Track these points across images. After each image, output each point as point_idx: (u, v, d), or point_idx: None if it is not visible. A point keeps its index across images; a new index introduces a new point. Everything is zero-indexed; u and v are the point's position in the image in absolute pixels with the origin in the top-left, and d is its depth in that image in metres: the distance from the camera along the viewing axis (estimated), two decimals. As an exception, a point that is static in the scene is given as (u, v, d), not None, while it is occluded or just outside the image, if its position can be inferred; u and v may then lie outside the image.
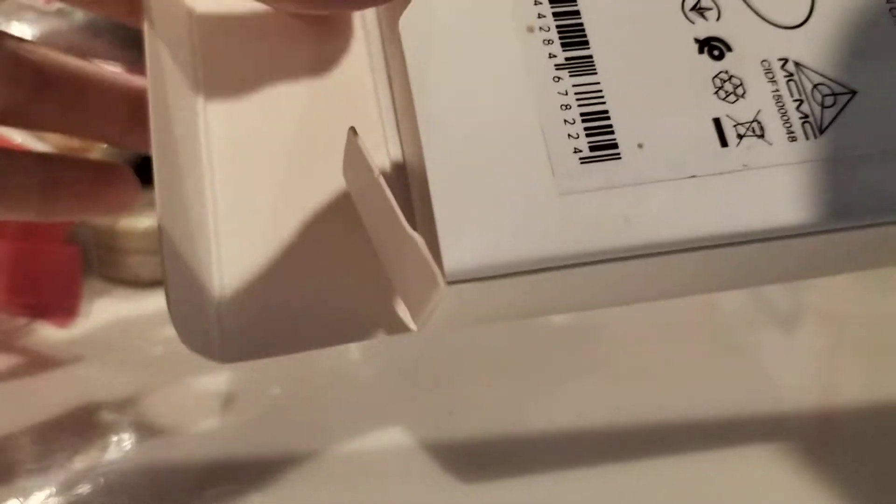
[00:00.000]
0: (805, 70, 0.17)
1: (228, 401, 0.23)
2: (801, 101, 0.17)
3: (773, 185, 0.16)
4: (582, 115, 0.16)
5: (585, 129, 0.16)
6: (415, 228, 0.15)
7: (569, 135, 0.16)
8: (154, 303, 0.31)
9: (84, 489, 0.19)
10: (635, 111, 0.16)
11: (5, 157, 0.19)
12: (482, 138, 0.16)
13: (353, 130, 0.17)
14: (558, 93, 0.16)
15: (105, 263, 0.33)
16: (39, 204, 0.19)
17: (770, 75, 0.17)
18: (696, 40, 0.17)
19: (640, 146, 0.16)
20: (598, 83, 0.16)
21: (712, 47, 0.17)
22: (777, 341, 0.26)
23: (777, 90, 0.17)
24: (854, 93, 0.17)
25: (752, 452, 0.19)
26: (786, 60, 0.17)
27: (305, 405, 0.22)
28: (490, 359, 0.25)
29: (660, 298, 0.19)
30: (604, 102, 0.16)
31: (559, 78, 0.16)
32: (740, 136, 0.16)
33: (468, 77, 0.16)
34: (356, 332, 0.18)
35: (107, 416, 0.23)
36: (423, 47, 0.16)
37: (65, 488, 0.19)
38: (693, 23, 0.17)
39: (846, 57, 0.17)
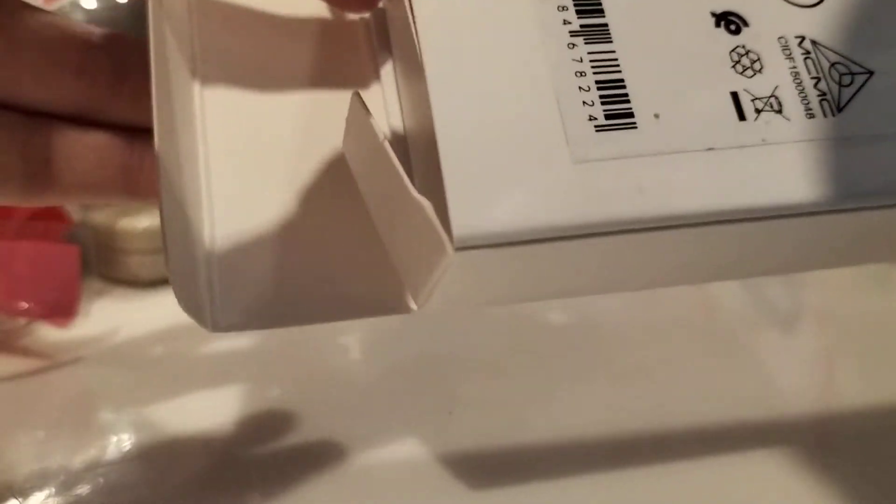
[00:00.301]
0: (822, 48, 0.17)
1: (228, 401, 0.22)
2: (819, 79, 0.17)
3: (791, 161, 0.16)
4: (598, 82, 0.16)
5: (601, 96, 0.16)
6: None
7: (584, 102, 0.15)
8: (153, 302, 0.31)
9: (83, 489, 0.19)
10: (652, 81, 0.16)
11: None
12: (494, 103, 0.15)
13: (357, 95, 0.16)
14: (573, 59, 0.16)
15: (104, 263, 0.33)
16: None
17: (787, 52, 0.17)
18: (713, 14, 0.17)
19: (656, 116, 0.16)
20: (614, 51, 0.16)
21: (729, 21, 0.17)
22: (777, 341, 0.26)
23: (794, 67, 0.17)
24: (871, 73, 0.17)
25: (751, 452, 0.19)
26: (803, 38, 0.17)
27: (305, 405, 0.22)
28: (490, 359, 0.25)
29: (663, 285, 0.19)
30: (619, 71, 0.16)
31: (574, 45, 0.16)
32: (758, 111, 0.16)
33: (480, 41, 0.16)
34: (351, 309, 0.18)
35: (106, 416, 0.23)
36: (434, 9, 0.16)
37: (64, 488, 0.19)
38: None
39: (863, 37, 0.17)
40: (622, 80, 0.16)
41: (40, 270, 0.26)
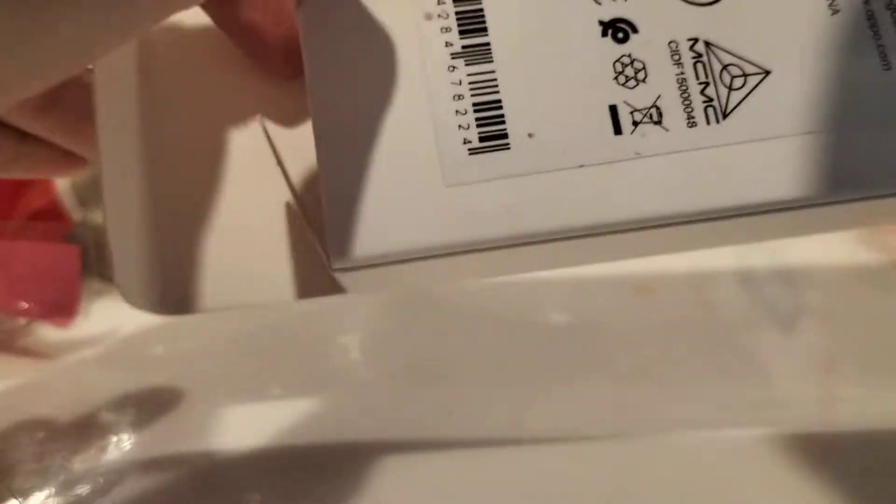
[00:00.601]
0: (716, 50, 0.17)
1: (228, 401, 0.23)
2: (707, 84, 0.17)
3: (663, 173, 0.16)
4: (474, 105, 0.16)
5: (477, 119, 0.16)
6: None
7: (459, 125, 0.16)
8: None
9: (83, 489, 0.19)
10: (530, 100, 0.16)
11: None
12: (374, 130, 0.16)
13: (260, 119, 0.17)
14: (452, 83, 0.16)
15: (104, 263, 0.33)
16: None
17: (676, 57, 0.17)
18: (601, 22, 0.17)
19: (530, 135, 0.16)
20: (494, 71, 0.17)
21: (617, 29, 0.17)
22: (777, 341, 0.26)
23: (682, 73, 0.17)
24: (768, 73, 0.17)
25: (751, 452, 0.19)
26: (696, 40, 0.17)
27: (305, 405, 0.22)
28: (490, 359, 0.25)
29: (560, 267, 0.19)
30: (497, 92, 0.16)
31: (454, 67, 0.17)
32: (636, 123, 0.16)
33: (364, 65, 0.17)
34: (276, 291, 0.19)
35: (106, 417, 0.23)
36: (320, 34, 0.17)
37: (64, 488, 0.19)
38: (600, 3, 0.17)
39: (763, 35, 0.17)
40: (499, 101, 0.17)
41: (40, 270, 0.26)
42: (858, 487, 0.17)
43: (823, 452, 0.19)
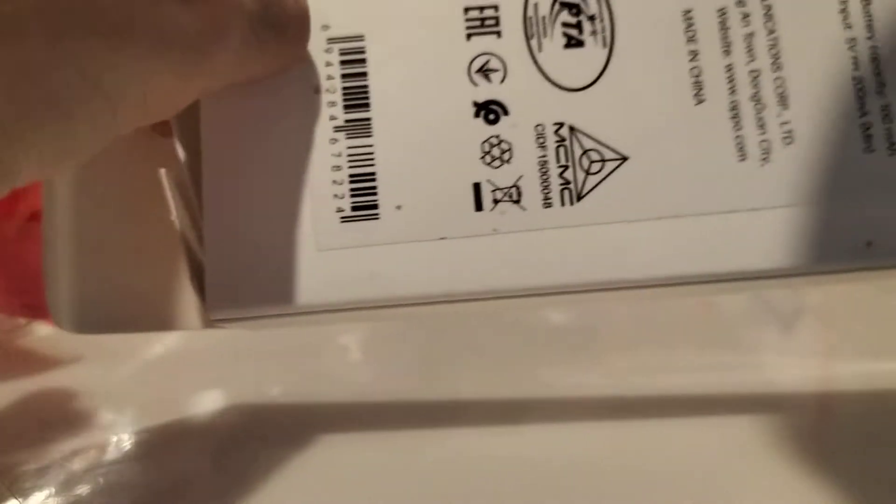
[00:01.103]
0: (579, 135, 0.18)
1: (228, 401, 0.23)
2: (566, 168, 0.18)
3: (517, 249, 0.18)
4: (350, 176, 0.18)
5: (351, 189, 0.18)
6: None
7: (335, 195, 0.18)
8: None
9: (83, 489, 0.19)
10: (401, 173, 0.18)
11: None
12: (256, 193, 0.18)
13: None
14: (332, 154, 0.18)
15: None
16: None
17: (541, 140, 0.18)
18: (475, 104, 0.18)
19: (398, 207, 0.18)
20: (372, 146, 0.18)
21: (489, 111, 0.18)
22: (777, 341, 0.26)
23: (544, 156, 0.18)
24: (625, 159, 0.18)
25: (751, 452, 0.19)
26: (561, 125, 0.18)
27: (306, 405, 0.22)
28: (490, 358, 0.26)
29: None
30: (373, 164, 0.18)
31: (335, 140, 0.18)
32: (496, 201, 0.18)
33: (252, 132, 0.18)
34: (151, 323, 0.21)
35: (106, 416, 0.23)
36: (215, 100, 0.18)
37: (64, 488, 0.19)
38: (476, 85, 0.19)
39: (625, 122, 0.18)
40: (374, 174, 0.18)
41: (40, 271, 0.25)
42: (857, 485, 0.17)
43: (823, 452, 0.19)
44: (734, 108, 0.18)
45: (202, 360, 0.26)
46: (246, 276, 0.18)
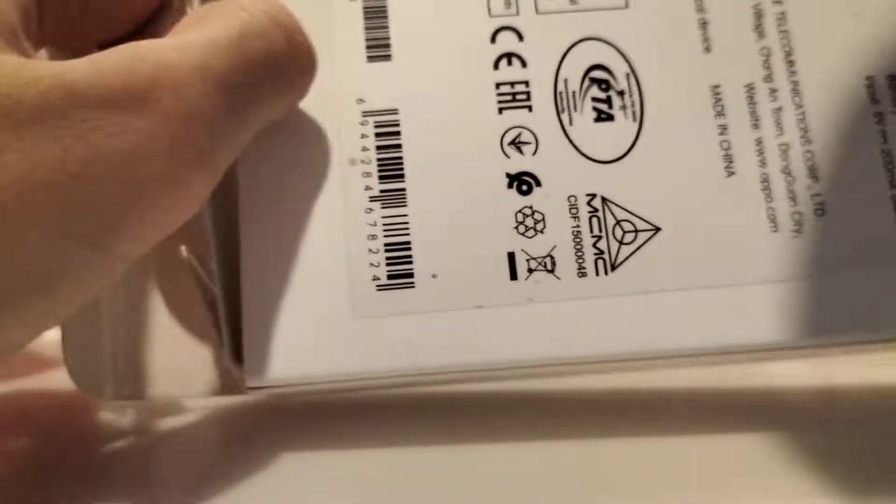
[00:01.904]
0: (611, 205, 0.19)
1: (229, 401, 0.23)
2: (600, 238, 0.18)
3: (553, 318, 0.18)
4: (386, 245, 0.19)
5: (387, 258, 0.18)
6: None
7: (371, 263, 0.18)
8: None
9: (84, 489, 0.19)
10: (436, 243, 0.18)
11: None
12: (294, 262, 0.19)
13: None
14: (368, 224, 0.19)
15: None
16: None
17: (574, 211, 0.19)
18: (508, 175, 0.19)
19: (434, 276, 0.18)
20: (406, 215, 0.19)
21: (522, 182, 0.19)
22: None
23: (577, 226, 0.19)
24: (658, 229, 0.18)
25: (750, 452, 0.19)
26: (594, 196, 0.19)
27: (306, 405, 0.22)
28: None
29: None
30: (408, 234, 0.19)
31: (371, 209, 0.19)
32: (531, 271, 0.18)
33: (290, 203, 0.19)
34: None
35: (107, 416, 0.23)
36: (254, 170, 0.19)
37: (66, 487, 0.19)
38: (509, 157, 0.19)
39: (657, 194, 0.19)
40: (409, 243, 0.19)
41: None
42: (857, 484, 0.17)
43: (822, 452, 0.19)
44: (765, 181, 0.19)
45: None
46: (283, 345, 0.18)
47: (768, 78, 0.20)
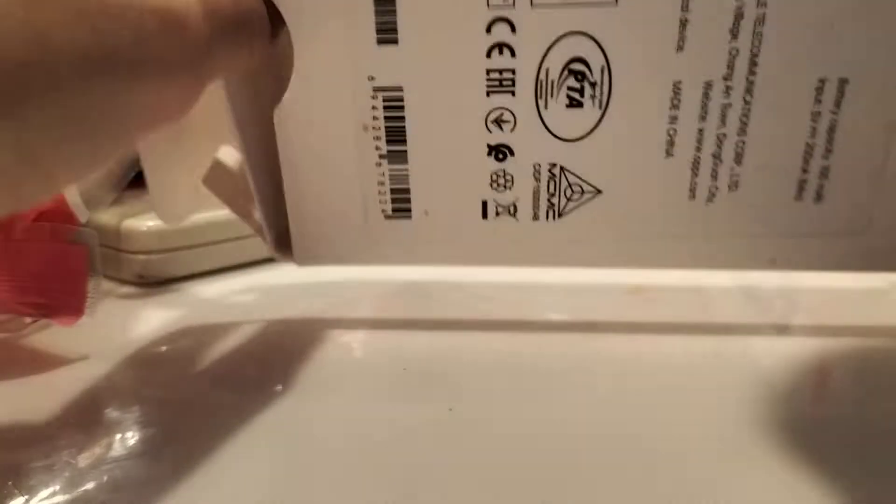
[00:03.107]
0: (567, 173, 0.25)
1: (231, 400, 0.24)
2: (554, 195, 0.25)
3: (511, 242, 0.26)
4: (392, 190, 0.25)
5: (392, 198, 0.25)
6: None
7: (380, 201, 0.26)
8: (158, 302, 0.33)
9: (89, 486, 0.19)
10: (430, 191, 0.25)
11: None
12: (323, 196, 0.26)
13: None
14: (378, 174, 0.25)
15: (110, 263, 0.34)
16: None
17: (537, 175, 0.25)
18: (489, 146, 0.24)
19: (426, 213, 0.26)
20: (407, 170, 0.25)
21: (499, 152, 0.25)
22: (775, 340, 0.28)
23: (538, 186, 0.25)
24: (599, 192, 0.25)
25: (750, 451, 0.20)
26: (555, 165, 0.25)
27: (307, 403, 0.23)
28: (490, 357, 0.27)
29: None
30: (408, 183, 0.25)
31: (380, 164, 0.25)
32: (498, 213, 0.26)
33: (319, 158, 0.25)
34: None
35: (111, 414, 0.23)
36: (289, 131, 0.24)
37: (70, 485, 0.19)
38: (490, 132, 0.24)
39: (605, 166, 0.25)
40: (408, 189, 0.25)
41: (47, 270, 0.27)
42: (853, 486, 0.18)
43: (822, 452, 0.19)
44: (696, 163, 0.24)
45: (206, 359, 0.27)
46: (316, 242, 0.26)
47: (728, 76, 0.23)
